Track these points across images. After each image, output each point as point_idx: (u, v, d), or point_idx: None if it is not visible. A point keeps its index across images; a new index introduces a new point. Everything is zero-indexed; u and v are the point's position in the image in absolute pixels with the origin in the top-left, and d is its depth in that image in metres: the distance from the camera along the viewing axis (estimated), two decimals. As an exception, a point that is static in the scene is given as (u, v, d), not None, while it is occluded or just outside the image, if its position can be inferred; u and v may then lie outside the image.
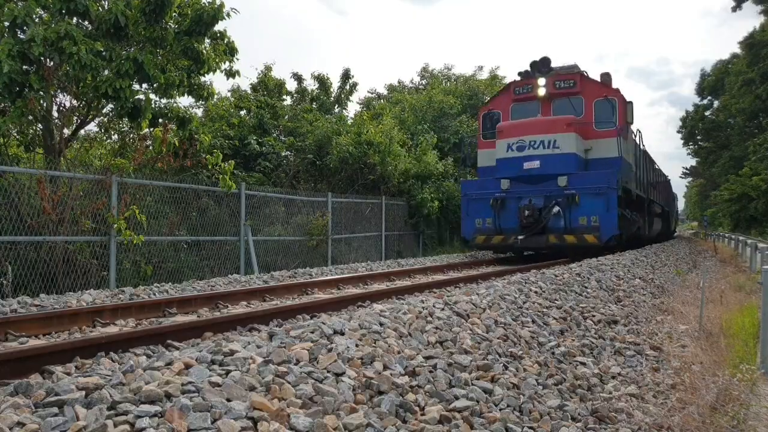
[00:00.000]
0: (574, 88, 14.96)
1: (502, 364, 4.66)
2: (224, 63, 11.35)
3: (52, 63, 9.32)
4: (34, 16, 9.25)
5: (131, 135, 11.69)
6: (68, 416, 2.55)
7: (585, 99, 14.99)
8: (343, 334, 4.25)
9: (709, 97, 55.07)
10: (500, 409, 3.85)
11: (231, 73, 11.64)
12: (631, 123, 16.24)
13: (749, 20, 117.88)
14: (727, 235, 34.51)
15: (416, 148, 21.32)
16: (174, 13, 10.44)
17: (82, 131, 11.25)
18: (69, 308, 6.23)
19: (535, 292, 7.74)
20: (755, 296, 9.59)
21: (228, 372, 3.20)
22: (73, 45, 8.80)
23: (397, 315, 5.07)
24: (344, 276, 10.04)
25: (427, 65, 38.04)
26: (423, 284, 9.12)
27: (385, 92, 35.05)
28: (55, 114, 10.07)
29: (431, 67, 38.55)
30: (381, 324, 4.70)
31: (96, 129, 11.63)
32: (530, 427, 3.74)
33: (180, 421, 2.59)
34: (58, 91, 9.81)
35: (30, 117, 9.51)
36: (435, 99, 26.40)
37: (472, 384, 4.08)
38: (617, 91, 15.35)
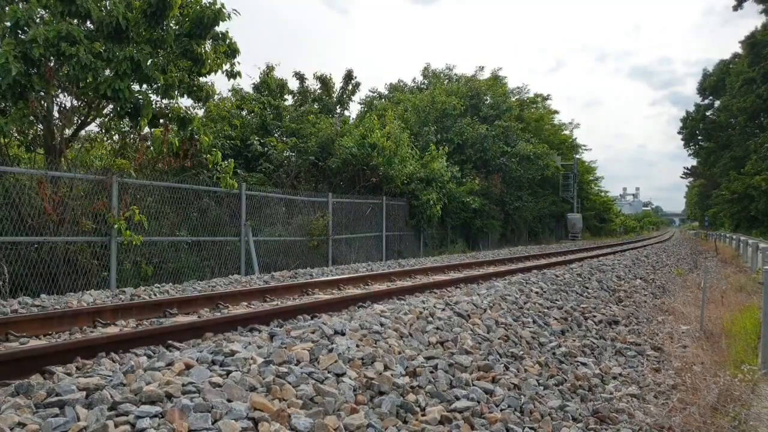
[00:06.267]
0: None
1: (503, 365, 4.66)
2: (226, 64, 11.34)
3: (53, 63, 9.32)
4: (35, 17, 9.25)
5: (132, 135, 11.68)
6: (69, 417, 2.55)
7: None
8: (343, 334, 4.25)
9: (710, 97, 55.03)
10: (501, 410, 3.84)
11: (232, 74, 11.62)
12: None
13: (751, 20, 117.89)
14: (728, 235, 34.49)
15: (421, 151, 21.28)
16: (176, 14, 10.43)
17: (82, 132, 11.24)
18: (70, 309, 6.23)
19: (536, 293, 7.74)
20: (756, 296, 9.58)
21: (229, 372, 3.21)
22: (71, 46, 8.81)
23: (398, 315, 5.07)
24: (345, 276, 10.03)
25: (429, 65, 37.94)
26: (424, 284, 9.11)
27: (386, 92, 35.02)
28: (56, 114, 10.07)
29: (433, 66, 38.63)
30: (382, 324, 4.70)
31: (97, 129, 11.62)
32: (531, 428, 3.74)
33: (181, 421, 2.59)
34: (59, 91, 9.81)
35: (31, 117, 9.52)
36: (437, 99, 26.38)
37: (473, 384, 4.08)
38: None
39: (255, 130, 18.59)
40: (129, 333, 5.00)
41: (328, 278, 9.77)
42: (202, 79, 11.39)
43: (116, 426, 2.51)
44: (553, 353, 5.51)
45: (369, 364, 3.82)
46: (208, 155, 12.00)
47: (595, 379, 5.17)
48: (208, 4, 10.55)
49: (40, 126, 10.03)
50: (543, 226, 37.84)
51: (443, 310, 5.64)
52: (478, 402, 3.80)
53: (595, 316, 7.61)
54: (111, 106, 10.40)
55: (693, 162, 62.67)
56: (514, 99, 36.86)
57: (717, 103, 53.26)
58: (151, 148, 11.54)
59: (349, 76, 24.80)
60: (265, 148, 17.54)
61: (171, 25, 10.59)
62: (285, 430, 2.80)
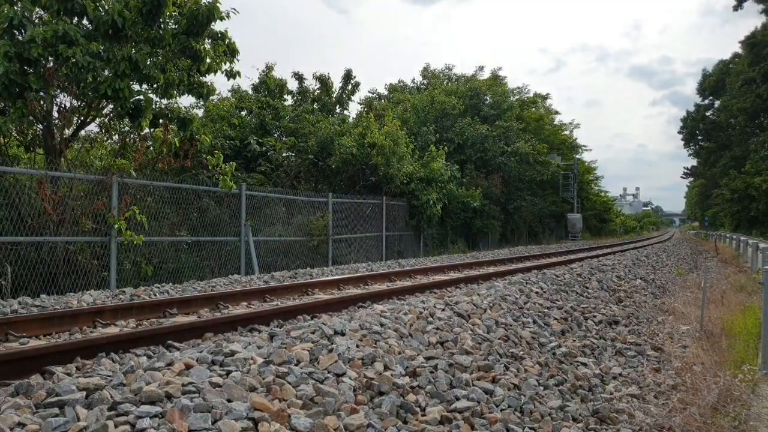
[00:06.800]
0: None
1: (503, 365, 4.66)
2: (225, 63, 11.34)
3: (51, 64, 9.33)
4: (33, 17, 9.24)
5: (132, 135, 11.67)
6: (69, 417, 2.55)
7: None
8: (343, 334, 4.25)
9: (710, 97, 55.04)
10: (501, 410, 3.84)
11: (232, 74, 11.62)
12: None
13: (751, 20, 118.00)
14: (728, 235, 34.49)
15: (421, 151, 21.30)
16: (174, 13, 10.43)
17: (82, 132, 11.23)
18: (70, 309, 6.23)
19: (536, 293, 7.74)
20: (756, 296, 9.58)
21: (229, 372, 3.20)
22: (68, 48, 8.82)
23: (398, 315, 5.07)
24: (345, 276, 10.03)
25: (428, 65, 37.94)
26: (424, 285, 9.11)
27: (386, 92, 35.04)
28: (56, 114, 10.07)
29: (432, 67, 38.66)
30: (382, 324, 4.69)
31: (96, 129, 11.61)
32: (531, 428, 3.74)
33: (181, 421, 2.59)
34: (59, 91, 9.81)
35: (30, 117, 9.51)
36: (437, 99, 26.38)
37: (473, 385, 4.08)
38: None
39: (254, 130, 18.58)
40: (129, 333, 5.00)
41: (328, 278, 9.77)
42: (202, 78, 11.40)
43: (116, 426, 2.51)
44: (553, 353, 5.50)
45: (369, 364, 3.81)
46: (210, 156, 12.00)
47: (595, 380, 5.17)
48: (205, 4, 10.55)
49: (40, 126, 10.03)
50: (543, 226, 37.86)
51: (443, 310, 5.64)
52: (478, 402, 3.80)
53: (595, 316, 7.61)
54: (111, 106, 10.40)
55: (693, 162, 62.71)
56: (514, 99, 36.88)
57: (717, 103, 53.28)
58: (151, 148, 11.53)
59: (348, 76, 24.79)
60: (264, 148, 17.53)
61: (168, 23, 10.58)
62: (285, 430, 2.80)
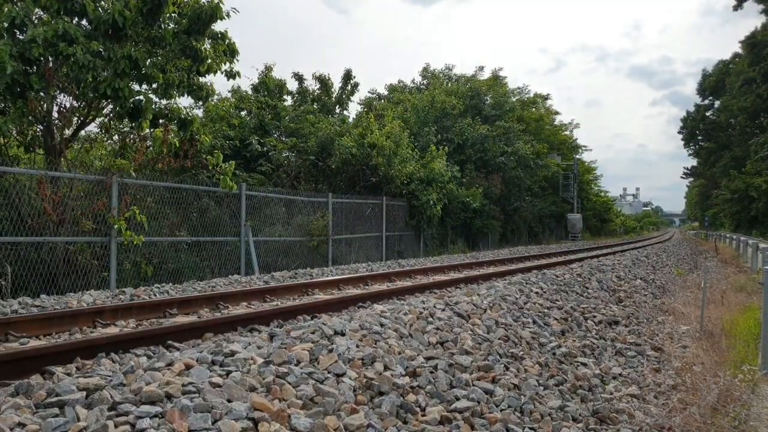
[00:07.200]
0: None
1: (503, 365, 4.66)
2: (225, 64, 11.35)
3: (52, 64, 9.33)
4: (33, 17, 9.25)
5: (132, 135, 11.67)
6: (69, 417, 2.55)
7: None
8: (343, 334, 4.25)
9: (710, 98, 55.06)
10: (501, 410, 3.84)
11: (231, 74, 11.63)
12: None
13: (751, 20, 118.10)
14: (728, 235, 34.48)
15: (421, 151, 21.30)
16: (173, 13, 10.44)
17: (82, 132, 11.23)
18: (70, 309, 6.23)
19: (536, 293, 7.74)
20: (756, 297, 9.58)
21: (229, 373, 3.21)
22: (68, 46, 8.83)
23: (398, 316, 5.07)
24: (345, 276, 10.03)
25: (428, 65, 37.94)
26: (424, 285, 9.11)
27: (386, 92, 35.02)
28: (56, 114, 10.07)
29: (432, 67, 38.67)
30: (382, 325, 4.70)
31: (96, 129, 11.61)
32: (531, 428, 3.74)
33: (181, 421, 2.59)
34: (59, 91, 9.81)
35: (30, 117, 9.52)
36: (437, 99, 26.37)
37: (473, 385, 4.08)
38: None
39: (253, 130, 18.58)
40: (129, 333, 5.00)
41: (328, 278, 9.77)
42: (202, 79, 11.39)
43: (116, 426, 2.51)
44: (553, 353, 5.50)
45: (369, 364, 3.82)
46: (209, 156, 12.00)
47: (595, 380, 5.17)
48: (208, 3, 10.56)
49: (40, 126, 10.03)
50: (543, 227, 37.86)
51: (443, 310, 5.64)
52: (478, 402, 3.80)
53: (595, 317, 7.61)
54: (111, 106, 10.40)
55: (693, 162, 62.74)
56: (514, 99, 36.87)
57: (717, 104, 53.31)
58: (151, 148, 11.53)
59: (347, 76, 24.77)
60: (265, 148, 17.53)
61: (169, 23, 10.59)
62: (285, 430, 2.80)
